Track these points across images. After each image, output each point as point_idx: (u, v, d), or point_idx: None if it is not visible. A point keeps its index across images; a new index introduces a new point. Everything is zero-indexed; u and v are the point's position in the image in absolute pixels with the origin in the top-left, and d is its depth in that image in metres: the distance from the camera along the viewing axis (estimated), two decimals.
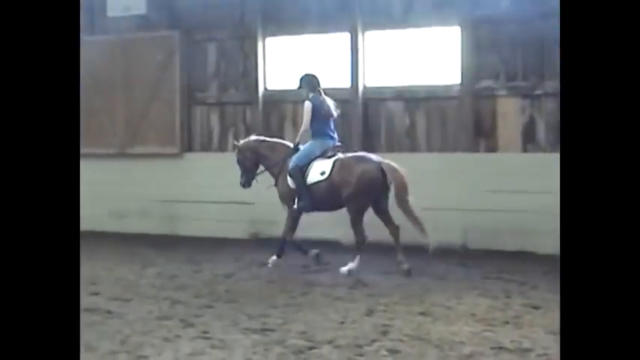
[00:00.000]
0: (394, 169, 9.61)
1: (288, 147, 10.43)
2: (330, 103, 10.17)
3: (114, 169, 14.04)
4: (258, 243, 12.26)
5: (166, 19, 14.03)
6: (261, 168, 10.74)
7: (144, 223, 13.62)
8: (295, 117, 13.09)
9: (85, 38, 14.76)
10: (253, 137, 11.04)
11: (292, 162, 10.05)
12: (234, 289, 8.72)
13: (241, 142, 10.98)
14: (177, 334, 6.73)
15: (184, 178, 13.45)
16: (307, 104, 10.09)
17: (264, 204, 12.21)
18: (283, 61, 13.32)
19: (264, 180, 10.65)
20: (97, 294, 8.47)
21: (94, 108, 14.23)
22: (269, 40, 13.35)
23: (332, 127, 10.19)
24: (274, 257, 10.24)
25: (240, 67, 13.62)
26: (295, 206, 10.06)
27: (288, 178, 10.12)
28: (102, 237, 13.22)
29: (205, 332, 6.77)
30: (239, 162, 10.73)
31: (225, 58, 13.74)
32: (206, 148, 13.90)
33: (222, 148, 13.72)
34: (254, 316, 7.37)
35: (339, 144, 10.23)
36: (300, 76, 10.44)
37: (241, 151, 10.73)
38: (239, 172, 10.72)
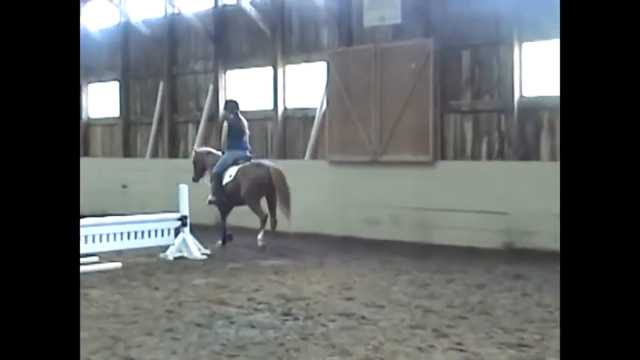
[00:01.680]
0: (278, 173, 12.53)
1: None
2: (244, 123, 13.18)
3: (367, 176, 14.29)
4: (512, 253, 11.91)
5: (421, 27, 14.08)
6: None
7: (396, 230, 13.73)
8: (553, 124, 12.58)
9: (341, 49, 15.23)
10: (205, 148, 14.44)
11: (214, 170, 13.07)
12: (488, 301, 8.50)
13: (198, 149, 14.31)
14: (430, 344, 6.64)
15: (437, 186, 13.39)
16: (225, 124, 13.54)
17: (520, 214, 11.88)
18: (540, 67, 12.87)
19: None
20: (351, 299, 8.61)
21: (349, 116, 14.60)
22: (525, 45, 12.97)
23: (245, 141, 13.17)
24: (219, 242, 12.90)
25: (495, 74, 13.35)
26: (209, 199, 13.17)
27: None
28: (355, 243, 13.50)
29: (459, 344, 6.63)
30: (193, 163, 13.89)
31: (479, 65, 13.53)
32: (459, 156, 13.76)
33: (475, 156, 13.52)
34: (509, 330, 7.13)
35: (249, 155, 13.16)
36: (225, 101, 14.19)
37: (196, 156, 13.94)
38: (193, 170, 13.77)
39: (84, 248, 10.89)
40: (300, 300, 8.51)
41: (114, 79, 20.86)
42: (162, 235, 11.77)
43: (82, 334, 6.90)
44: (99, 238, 11.06)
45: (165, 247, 11.73)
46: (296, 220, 14.85)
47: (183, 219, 11.77)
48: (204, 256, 11.72)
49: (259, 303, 8.34)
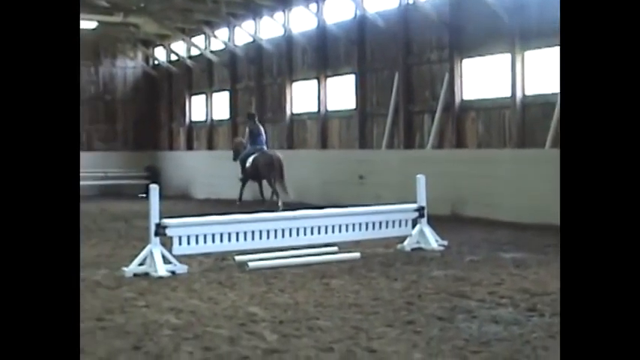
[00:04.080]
0: (278, 159, 18.50)
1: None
2: (260, 128, 19.65)
3: None
4: None
5: None
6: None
7: None
8: None
9: None
10: (240, 138, 21.16)
11: (240, 157, 19.61)
12: None
13: (236, 139, 21.45)
14: None
15: None
16: (247, 129, 20.47)
17: None
18: None
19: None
20: None
21: None
22: None
23: (261, 139, 19.30)
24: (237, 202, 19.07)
25: None
26: (239, 176, 19.52)
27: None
28: None
29: None
30: (233, 150, 20.65)
31: None
32: None
33: None
34: None
35: (264, 147, 19.26)
36: (247, 113, 21.34)
37: (234, 144, 20.97)
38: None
39: (324, 238, 11.13)
40: (544, 295, 8.09)
41: (351, 72, 21.22)
42: (400, 226, 11.72)
43: (325, 323, 6.99)
44: (338, 228, 11.22)
45: (403, 238, 11.69)
46: (531, 211, 14.25)
47: (420, 210, 11.66)
48: (442, 248, 11.55)
49: (501, 297, 8.03)
